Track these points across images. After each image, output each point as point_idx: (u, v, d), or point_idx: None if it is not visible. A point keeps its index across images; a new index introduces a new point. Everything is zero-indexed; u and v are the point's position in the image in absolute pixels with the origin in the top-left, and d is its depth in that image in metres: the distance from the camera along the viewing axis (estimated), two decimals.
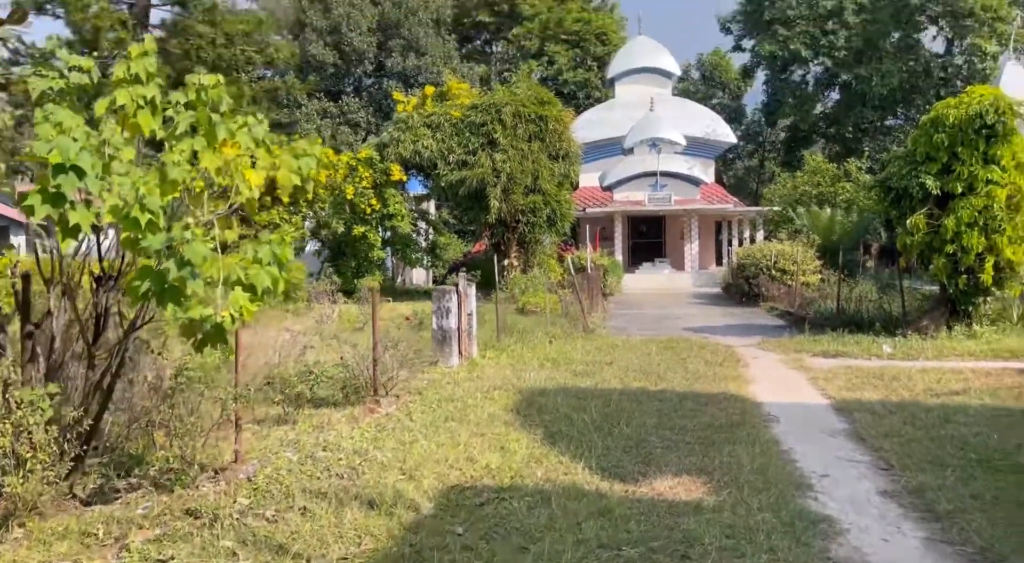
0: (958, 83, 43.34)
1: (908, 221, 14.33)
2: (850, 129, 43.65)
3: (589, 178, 37.75)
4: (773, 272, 23.18)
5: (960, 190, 13.98)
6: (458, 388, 10.06)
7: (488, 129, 25.30)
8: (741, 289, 25.61)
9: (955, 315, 14.99)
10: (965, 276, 14.30)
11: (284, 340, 10.51)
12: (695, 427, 8.06)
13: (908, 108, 44.78)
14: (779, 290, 22.31)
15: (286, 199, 24.00)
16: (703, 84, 54.20)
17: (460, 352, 11.95)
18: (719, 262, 37.09)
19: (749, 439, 7.59)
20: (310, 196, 22.90)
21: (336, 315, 16.26)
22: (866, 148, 40.59)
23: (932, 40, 44.00)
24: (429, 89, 27.31)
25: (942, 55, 43.24)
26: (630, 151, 35.19)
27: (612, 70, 40.19)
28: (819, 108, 45.13)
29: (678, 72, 40.79)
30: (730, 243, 35.90)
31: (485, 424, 8.07)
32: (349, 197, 25.15)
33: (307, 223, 27.23)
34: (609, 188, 34.89)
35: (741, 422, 8.33)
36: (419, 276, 36.11)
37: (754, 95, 55.58)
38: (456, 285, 12.29)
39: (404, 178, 25.72)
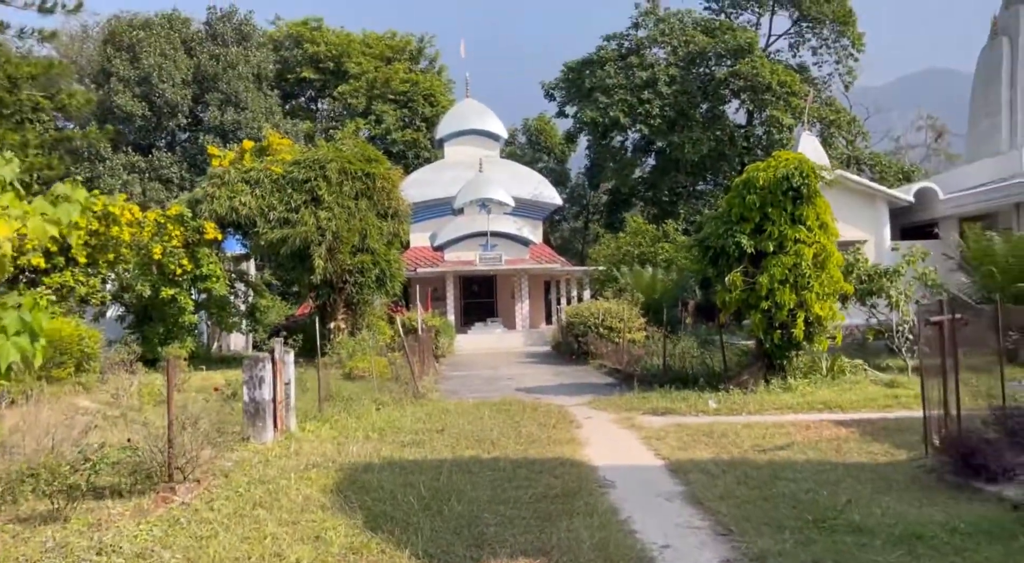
0: (758, 152, 47.12)
1: (726, 279, 14.82)
2: (666, 193, 46.10)
3: (419, 238, 37.42)
4: (601, 330, 23.51)
5: (772, 249, 14.65)
6: (271, 467, 9.01)
7: (312, 186, 24.35)
8: (571, 347, 25.80)
9: (771, 369, 15.58)
10: (779, 331, 14.91)
11: (62, 420, 9.05)
12: (531, 499, 7.52)
13: (716, 174, 48.03)
14: (607, 347, 22.59)
15: (82, 259, 21.62)
16: (529, 148, 55.78)
17: (276, 426, 10.85)
18: (548, 320, 37.57)
19: (587, 509, 7.13)
20: (111, 256, 20.74)
21: (135, 388, 14.56)
22: (681, 210, 42.91)
23: (735, 112, 47.69)
24: (248, 143, 26.03)
25: (744, 126, 46.88)
26: (460, 211, 35.20)
27: (441, 131, 40.43)
28: (637, 172, 47.42)
29: (505, 135, 41.65)
30: (559, 302, 36.48)
31: (299, 510, 7.13)
32: (156, 257, 23.18)
33: (108, 286, 24.87)
34: (440, 248, 34.61)
35: (578, 490, 7.88)
36: (238, 341, 33.90)
37: (578, 159, 57.92)
38: (271, 351, 11.25)
39: (219, 237, 24.08)
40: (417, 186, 37.16)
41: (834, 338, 15.38)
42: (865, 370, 16.09)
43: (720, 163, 46.09)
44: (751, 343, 19.81)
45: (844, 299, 16.20)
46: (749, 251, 14.73)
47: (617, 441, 11.07)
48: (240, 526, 6.64)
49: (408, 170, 41.03)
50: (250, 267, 33.38)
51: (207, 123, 39.53)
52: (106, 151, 37.08)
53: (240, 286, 29.73)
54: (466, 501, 7.37)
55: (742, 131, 46.69)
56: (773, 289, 14.57)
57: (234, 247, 29.22)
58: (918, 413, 12.37)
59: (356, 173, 24.84)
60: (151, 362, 20.93)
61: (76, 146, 36.49)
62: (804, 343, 15.03)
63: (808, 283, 14.55)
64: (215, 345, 31.15)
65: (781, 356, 15.36)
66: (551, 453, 9.84)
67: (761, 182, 14.69)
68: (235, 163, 25.29)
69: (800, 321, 14.67)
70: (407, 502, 7.30)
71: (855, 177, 27.20)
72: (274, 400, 10.80)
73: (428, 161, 43.70)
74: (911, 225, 27.59)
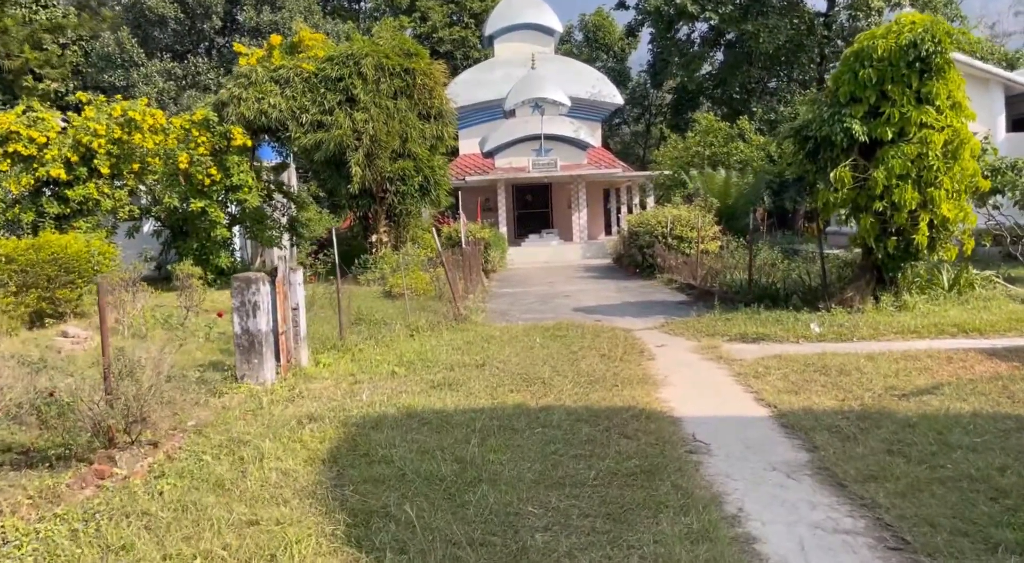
0: (839, 43, 42.67)
1: (832, 174, 12.07)
2: (737, 90, 42.25)
3: (469, 144, 34.89)
4: (670, 240, 20.93)
5: (890, 136, 11.81)
6: (259, 420, 6.99)
7: (347, 84, 21.94)
8: (634, 260, 23.33)
9: (881, 283, 12.94)
10: (895, 238, 12.21)
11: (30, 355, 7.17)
12: (595, 479, 5.32)
13: (792, 69, 43.80)
14: (677, 260, 20.06)
15: (105, 169, 19.84)
16: (586, 46, 51.95)
17: (281, 360, 8.84)
18: (608, 231, 34.98)
19: (678, 498, 4.91)
20: (136, 166, 18.79)
21: (139, 312, 12.76)
22: (755, 109, 39.23)
23: None
24: (276, 38, 23.54)
25: (825, 13, 42.31)
26: (511, 113, 32.40)
27: (490, 27, 37.18)
28: (706, 68, 43.56)
29: (560, 29, 38.16)
30: (619, 211, 33.80)
31: (267, 497, 5.07)
32: (183, 166, 21.25)
33: (143, 200, 23.22)
34: (490, 154, 32.01)
35: (661, 461, 5.64)
36: (283, 256, 32.31)
37: (639, 58, 53.87)
38: (274, 270, 9.17)
39: (248, 142, 21.95)
40: (465, 88, 34.35)
41: (962, 244, 12.62)
42: (998, 283, 13.33)
43: (798, 55, 41.83)
44: (844, 253, 17.13)
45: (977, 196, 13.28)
46: (861, 139, 11.91)
47: (703, 379, 8.77)
48: (177, 526, 4.62)
49: (456, 72, 38.17)
50: (291, 177, 31.48)
51: (243, 24, 37.07)
52: (139, 57, 35.07)
53: (279, 198, 27.87)
54: (504, 483, 5.20)
55: (822, 19, 42.16)
56: (890, 186, 11.81)
57: (270, 156, 27.25)
58: None
59: (394, 69, 22.27)
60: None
61: (107, 51, 34.61)
62: (925, 252, 12.30)
63: (936, 178, 11.73)
64: (258, 261, 29.57)
65: (895, 268, 12.68)
66: (620, 399, 7.60)
67: (880, 51, 11.72)
68: (263, 61, 22.93)
69: (923, 225, 11.92)
70: (420, 483, 5.17)
71: (966, 58, 23.44)
72: (275, 330, 8.75)
73: (478, 62, 40.60)
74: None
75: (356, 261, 21.46)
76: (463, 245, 18.07)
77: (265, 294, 8.41)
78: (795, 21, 39.32)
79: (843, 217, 13.90)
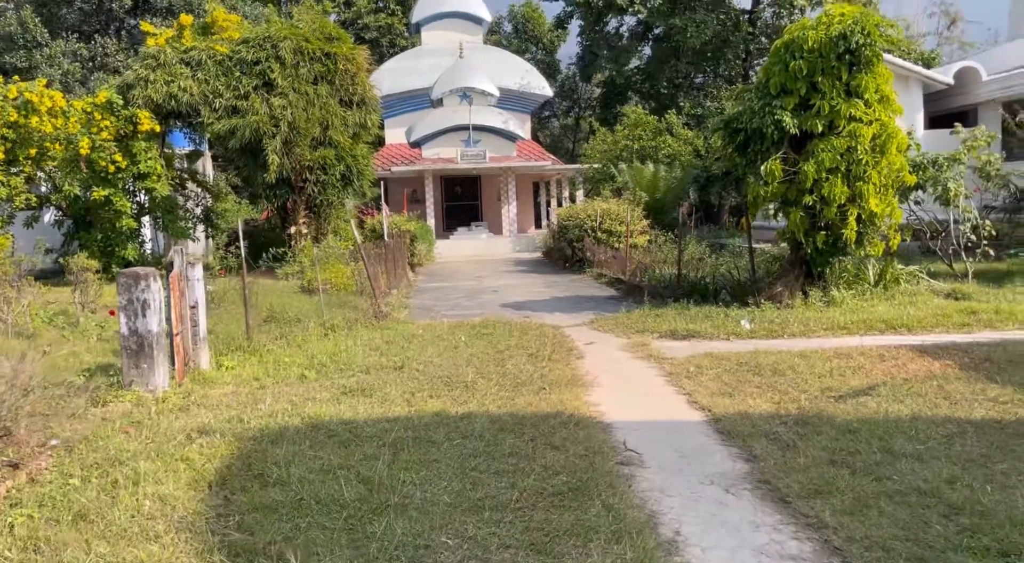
0: (763, 40, 43.23)
1: (762, 167, 11.82)
2: (664, 84, 42.37)
3: (395, 134, 34.04)
4: (599, 234, 20.61)
5: (820, 129, 11.63)
6: (143, 434, 6.21)
7: (263, 68, 20.86)
8: (564, 254, 22.97)
9: (809, 278, 12.81)
10: (824, 232, 12.06)
11: None
12: (519, 500, 4.77)
13: (718, 64, 44.20)
14: (606, 254, 19.75)
15: None
16: (516, 37, 51.43)
17: (176, 364, 8.04)
18: (538, 225, 34.62)
19: (610, 525, 4.40)
20: (33, 152, 17.36)
21: (25, 308, 11.66)
22: (682, 103, 39.39)
23: None
24: (187, 18, 22.25)
25: (750, 10, 42.79)
26: (439, 103, 31.64)
27: (417, 14, 36.26)
28: (634, 63, 43.55)
29: (489, 18, 37.49)
30: (549, 204, 33.46)
31: (136, 532, 4.36)
32: (84, 152, 19.85)
33: (43, 189, 21.67)
34: (417, 144, 31.21)
35: (590, 478, 5.14)
36: (198, 250, 30.86)
37: (568, 50, 53.67)
38: (169, 265, 8.35)
39: (157, 128, 20.68)
40: (391, 76, 33.46)
41: (888, 239, 12.56)
42: (922, 278, 13.36)
43: (723, 51, 42.19)
44: (770, 247, 17.08)
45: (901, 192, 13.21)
46: (792, 132, 11.69)
47: (633, 379, 8.34)
48: None
49: (382, 60, 37.15)
50: (206, 166, 30.07)
51: (155, 4, 35.20)
52: (43, 37, 32.93)
53: (193, 187, 26.50)
54: (415, 509, 4.61)
55: (747, 16, 42.63)
56: (820, 180, 11.63)
57: (183, 143, 25.90)
58: (1010, 334, 9.74)
59: (315, 54, 21.30)
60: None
61: (8, 30, 32.42)
62: (854, 246, 12.18)
63: (864, 172, 11.60)
64: (170, 253, 28.10)
65: (823, 263, 12.55)
66: (547, 403, 7.09)
67: (810, 43, 11.49)
68: (172, 42, 21.64)
69: (852, 220, 11.79)
70: (316, 515, 4.53)
71: (887, 55, 23.74)
72: (170, 331, 7.95)
73: (405, 50, 39.63)
74: (942, 112, 24.44)
75: (265, 254, 20.46)
76: (385, 238, 17.30)
77: (156, 291, 7.59)
78: (721, 17, 39.63)
79: (772, 212, 13.73)
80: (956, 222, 14.76)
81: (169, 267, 8.28)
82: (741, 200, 33.28)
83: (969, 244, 14.25)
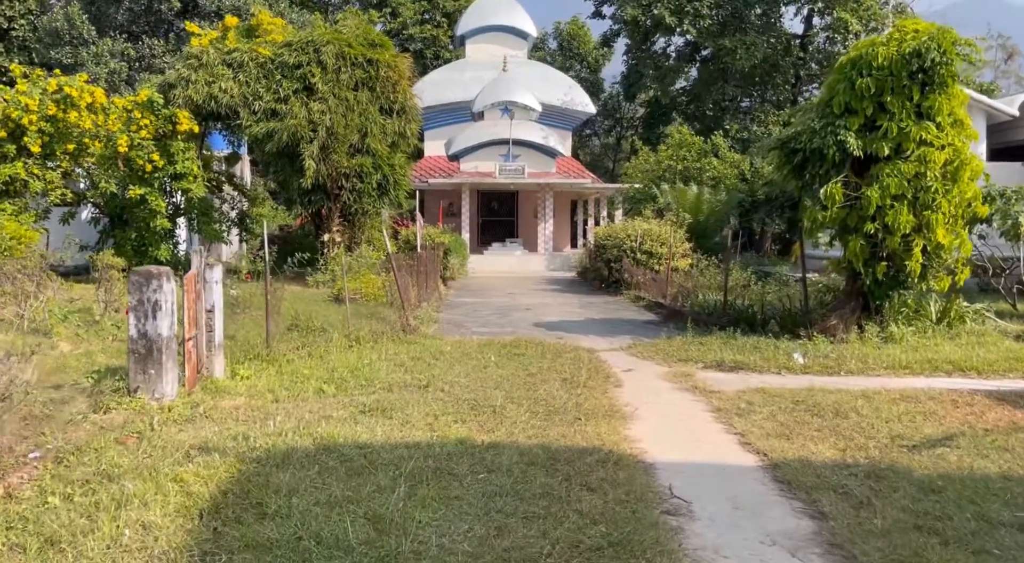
0: (813, 66, 42.33)
1: (822, 191, 11.06)
2: (710, 107, 41.61)
3: (434, 146, 33.71)
4: (638, 255, 19.87)
5: (887, 152, 10.85)
6: (141, 447, 5.66)
7: (304, 72, 20.57)
8: (600, 274, 22.26)
9: (866, 312, 11.98)
10: (885, 263, 11.24)
11: None
12: (552, 554, 4.10)
13: (765, 89, 43.37)
14: (645, 276, 19.01)
15: (35, 148, 18.24)
16: (560, 54, 51.03)
17: (188, 371, 7.50)
18: (574, 244, 33.99)
19: None
20: (71, 147, 17.18)
21: (41, 304, 11.27)
22: (727, 126, 38.58)
23: (791, 19, 42.74)
24: (232, 19, 22.08)
25: (802, 35, 41.95)
26: (480, 116, 31.22)
27: (462, 27, 36.03)
28: (680, 83, 42.88)
29: (534, 33, 37.14)
30: (586, 223, 32.82)
31: None
32: (122, 150, 19.65)
33: (82, 185, 21.57)
34: (456, 157, 30.77)
35: (633, 531, 4.45)
36: (231, 253, 30.68)
37: (612, 69, 53.13)
38: (170, 267, 7.85)
39: (195, 128, 20.43)
40: (433, 87, 33.18)
41: (955, 274, 11.71)
42: (988, 318, 12.45)
43: (772, 75, 41.40)
44: (819, 277, 16.25)
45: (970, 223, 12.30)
46: (856, 154, 10.92)
47: (677, 413, 7.62)
48: None
49: (426, 71, 36.95)
50: (243, 169, 29.94)
51: (203, 7, 35.37)
52: (90, 34, 33.21)
53: (229, 190, 26.31)
54: (430, 559, 3.96)
55: (798, 41, 41.81)
56: (884, 206, 10.84)
57: (222, 146, 25.76)
58: None
59: (356, 59, 20.97)
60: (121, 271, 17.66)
61: (56, 26, 32.74)
62: (917, 280, 11.34)
63: (933, 200, 10.78)
64: (203, 256, 27.87)
65: (882, 296, 11.71)
66: (582, 436, 6.41)
67: (880, 60, 10.74)
68: (216, 43, 21.46)
69: (917, 251, 10.97)
70: (315, 558, 3.90)
71: None
72: (184, 336, 7.42)
73: (449, 62, 39.40)
74: (1004, 145, 23.42)
75: (291, 260, 20.02)
76: (419, 249, 16.77)
77: (168, 292, 7.07)
78: (772, 40, 38.86)
79: (827, 239, 12.95)
80: (1021, 259, 13.81)
81: (188, 268, 7.77)
82: (786, 227, 32.43)
83: None
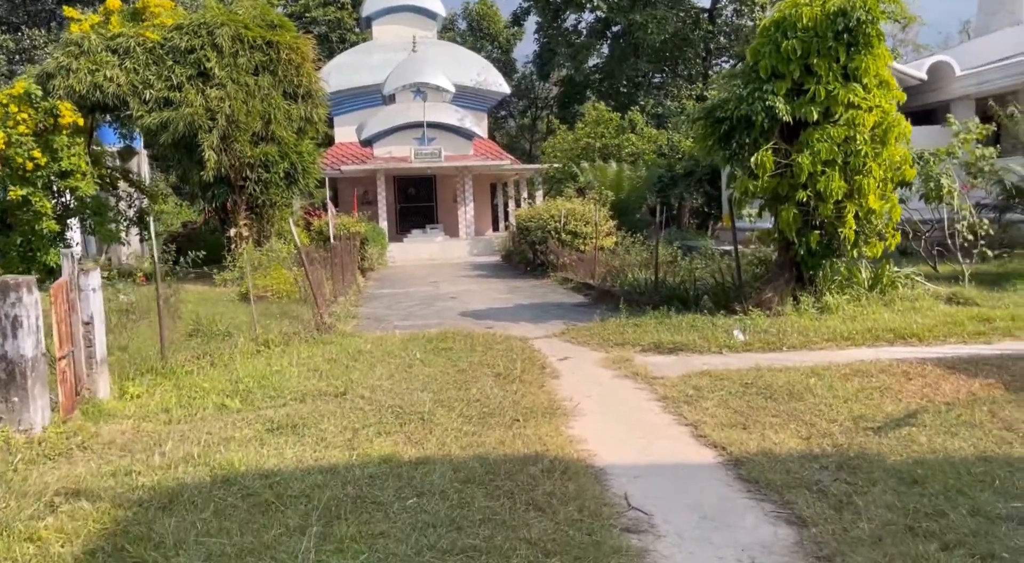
0: (721, 39, 42.56)
1: (752, 159, 10.62)
2: (624, 83, 41.40)
3: (346, 132, 32.45)
4: (563, 236, 19.29)
5: (816, 117, 10.47)
6: None
7: (198, 57, 19.18)
8: (525, 257, 21.64)
9: (799, 282, 11.66)
10: (818, 232, 10.91)
11: None
12: None
13: (676, 64, 43.40)
14: (572, 257, 18.46)
15: None
16: (470, 35, 50.01)
17: (63, 395, 6.47)
18: (496, 227, 33.30)
19: None
20: None
21: None
22: (641, 102, 38.40)
23: None
24: (114, 2, 20.39)
25: (710, 9, 42.08)
26: (391, 99, 30.10)
27: (368, 7, 34.68)
28: (592, 60, 42.49)
29: (443, 13, 36.09)
30: (507, 206, 32.17)
31: None
32: None
33: None
34: (368, 142, 29.62)
35: (592, 558, 3.78)
36: (131, 254, 28.78)
37: (524, 49, 52.52)
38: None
39: (80, 121, 18.84)
40: (341, 71, 31.86)
41: (886, 240, 11.47)
42: (919, 282, 12.29)
43: (683, 50, 41.44)
44: (746, 250, 16.02)
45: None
46: (785, 119, 10.50)
47: (622, 405, 7.01)
48: None
49: (332, 55, 35.50)
50: (141, 165, 28.10)
51: None
52: None
53: (126, 187, 24.56)
54: None
55: (706, 14, 41.93)
56: (815, 173, 10.47)
57: (114, 140, 24.01)
58: None
59: (255, 42, 19.68)
60: None
61: None
62: (849, 248, 11.06)
63: (864, 164, 10.47)
64: (102, 258, 26.01)
65: (815, 265, 11.39)
66: (523, 441, 5.72)
67: (805, 20, 10.33)
68: (98, 28, 19.80)
69: (850, 217, 10.68)
70: None
71: None
72: (59, 355, 6.39)
73: (355, 45, 37.96)
74: (911, 109, 23.73)
75: (184, 259, 18.77)
76: (331, 240, 15.76)
77: (31, 305, 6.04)
78: (681, 14, 38.81)
79: (751, 211, 12.61)
80: (947, 221, 13.77)
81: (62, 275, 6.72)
82: (704, 200, 32.45)
83: (965, 244, 13.25)
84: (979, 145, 14.01)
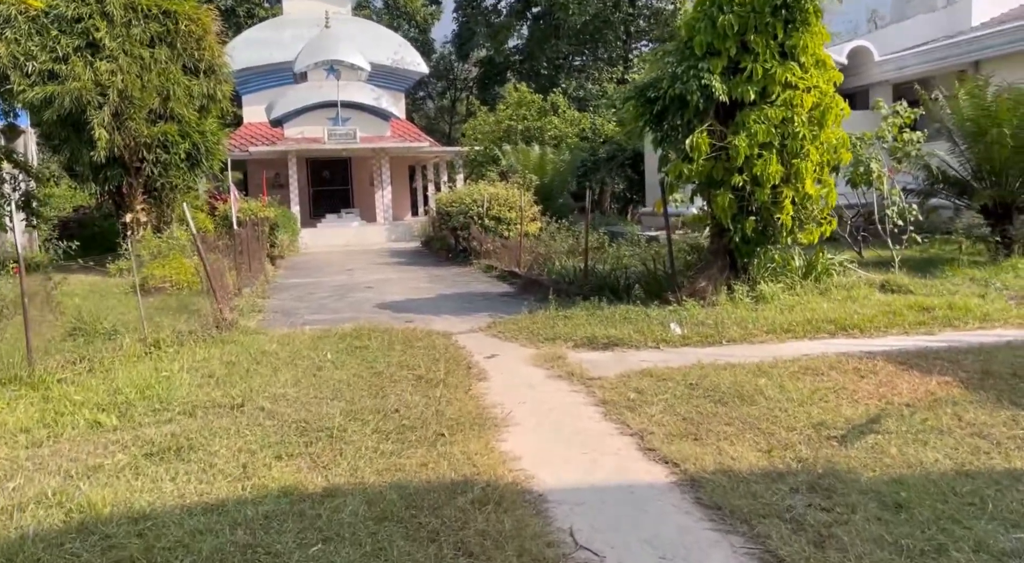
0: (641, 22, 42.42)
1: (688, 141, 10.05)
2: (545, 65, 40.79)
3: (255, 112, 30.81)
4: (486, 221, 18.51)
5: (753, 96, 9.97)
6: None
7: (87, 26, 17.54)
8: (446, 244, 20.80)
9: (733, 270, 11.21)
10: (753, 218, 10.46)
11: None
12: None
13: (597, 46, 43.03)
14: (495, 244, 17.71)
15: None
16: (386, 13, 48.46)
17: None
18: (415, 212, 32.28)
19: None
20: None
21: None
22: (563, 84, 37.86)
23: None
24: None
25: None
26: (303, 77, 28.67)
27: None
28: (513, 41, 41.72)
29: None
30: (427, 190, 31.21)
31: None
32: None
33: None
34: (279, 122, 28.15)
35: None
36: (19, 241, 26.58)
37: (443, 29, 51.26)
38: None
39: None
40: (250, 47, 30.21)
41: (822, 226, 11.11)
42: (851, 269, 12.02)
43: (604, 32, 41.08)
44: (676, 236, 15.62)
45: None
46: (721, 99, 9.97)
47: (558, 412, 6.31)
48: None
49: (240, 31, 33.68)
50: (28, 145, 25.97)
51: None
52: None
53: (9, 168, 22.52)
54: None
55: None
56: (751, 156, 9.99)
57: None
58: (978, 335, 8.36)
59: (150, 11, 18.13)
60: None
61: None
62: (785, 235, 10.66)
63: (802, 148, 10.04)
64: None
65: (750, 253, 10.95)
66: (449, 463, 4.95)
67: None
68: None
69: (787, 203, 10.26)
70: None
71: None
72: None
73: (265, 20, 36.12)
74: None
75: (55, 248, 17.23)
76: (235, 226, 14.57)
77: None
78: None
79: (681, 196, 12.10)
80: (876, 206, 13.59)
81: None
82: (626, 185, 32.10)
83: (895, 230, 13.08)
84: (906, 129, 13.85)
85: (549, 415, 6.22)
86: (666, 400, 6.28)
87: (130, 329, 9.39)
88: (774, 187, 10.17)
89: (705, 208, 11.43)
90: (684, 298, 10.60)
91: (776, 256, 11.52)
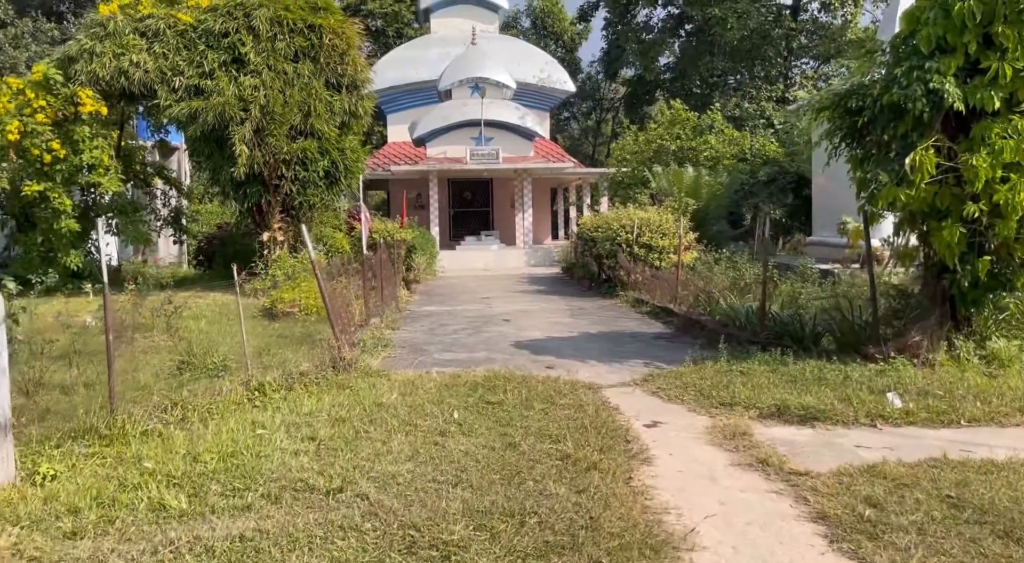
0: (802, 39, 39.50)
1: (907, 160, 8.00)
2: (698, 83, 38.60)
3: (399, 131, 30.49)
4: (636, 249, 16.74)
5: (996, 105, 7.82)
6: None
7: (232, 41, 17.30)
8: (589, 271, 19.19)
9: (953, 322, 8.97)
10: (988, 258, 8.24)
11: None
12: None
13: (754, 63, 40.40)
14: (644, 274, 15.93)
15: None
16: (533, 33, 47.81)
17: None
18: (556, 235, 30.91)
19: None
20: None
21: None
22: (716, 103, 35.61)
23: None
24: None
25: (791, 5, 39.03)
26: (447, 95, 27.99)
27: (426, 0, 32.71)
28: (664, 59, 39.82)
29: (506, 5, 33.93)
30: (568, 213, 29.77)
31: None
32: (13, 138, 16.33)
33: None
34: (421, 141, 27.54)
35: None
36: (170, 256, 27.21)
37: (590, 49, 50.05)
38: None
39: (103, 109, 17.14)
40: (397, 66, 29.96)
41: None
42: None
43: (763, 48, 38.43)
44: (840, 269, 13.36)
45: None
46: (957, 108, 7.87)
47: (759, 531, 4.52)
48: None
49: (388, 51, 33.67)
50: (181, 161, 26.60)
51: None
52: (7, 14, 29.59)
53: (162, 185, 22.91)
54: None
55: (788, 11, 38.90)
56: (992, 180, 7.81)
57: (145, 133, 22.46)
58: None
59: (295, 25, 17.69)
60: (26, 283, 14.23)
61: None
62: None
63: None
64: (138, 259, 24.33)
65: (978, 301, 8.69)
66: None
67: None
68: (127, 9, 18.03)
69: None
70: None
71: None
72: None
73: (412, 41, 36.06)
74: None
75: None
76: (364, 250, 13.54)
77: None
78: (762, 9, 35.91)
79: (887, 228, 9.97)
80: None
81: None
82: (787, 212, 29.42)
83: None
84: None
85: (746, 534, 4.45)
86: (919, 524, 4.37)
87: (244, 363, 8.34)
88: (1020, 219, 7.93)
89: (912, 242, 9.29)
90: (892, 355, 8.50)
91: (1012, 305, 9.15)
